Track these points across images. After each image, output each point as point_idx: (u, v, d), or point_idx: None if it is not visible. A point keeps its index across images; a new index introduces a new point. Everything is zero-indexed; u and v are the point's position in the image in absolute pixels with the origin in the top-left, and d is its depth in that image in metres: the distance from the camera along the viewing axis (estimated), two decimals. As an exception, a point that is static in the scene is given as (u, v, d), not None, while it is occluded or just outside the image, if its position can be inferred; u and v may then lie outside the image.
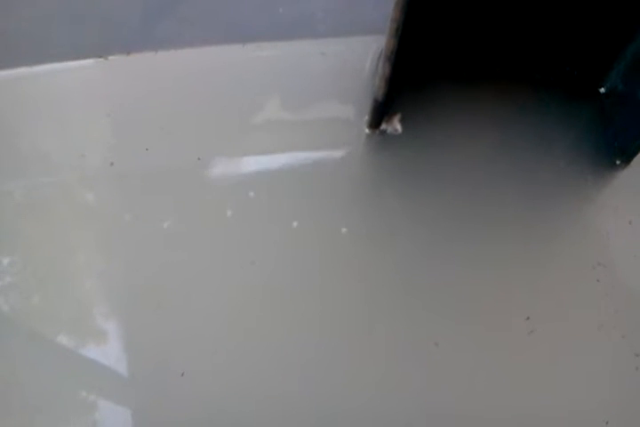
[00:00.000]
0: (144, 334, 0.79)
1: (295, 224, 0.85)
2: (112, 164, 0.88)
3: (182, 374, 0.76)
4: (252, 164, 0.90)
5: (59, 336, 0.79)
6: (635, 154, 0.87)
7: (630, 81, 0.87)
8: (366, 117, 0.88)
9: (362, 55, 0.94)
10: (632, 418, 0.78)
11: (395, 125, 0.88)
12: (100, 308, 0.81)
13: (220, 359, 0.78)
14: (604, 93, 0.92)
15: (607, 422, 0.76)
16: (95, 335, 0.80)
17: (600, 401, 0.78)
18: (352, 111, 0.91)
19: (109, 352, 0.78)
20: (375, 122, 0.87)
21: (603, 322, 0.81)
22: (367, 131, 0.89)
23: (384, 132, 0.89)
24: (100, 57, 0.91)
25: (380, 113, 0.86)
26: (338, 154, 0.89)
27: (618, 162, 0.89)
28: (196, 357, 0.78)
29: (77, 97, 0.93)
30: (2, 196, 0.88)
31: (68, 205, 0.88)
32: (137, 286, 0.82)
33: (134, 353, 0.78)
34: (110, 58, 0.91)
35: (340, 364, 0.78)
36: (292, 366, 0.77)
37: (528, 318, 0.80)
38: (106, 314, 0.81)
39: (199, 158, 0.89)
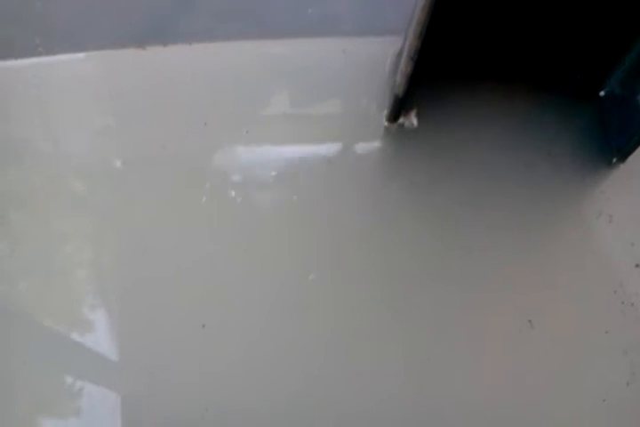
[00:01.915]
0: (131, 325, 0.83)
1: (311, 212, 0.90)
2: (122, 154, 0.93)
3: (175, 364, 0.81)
4: (274, 153, 0.96)
5: (45, 322, 0.83)
6: (630, 153, 0.94)
7: (627, 86, 0.94)
8: (385, 111, 0.95)
9: (381, 53, 1.00)
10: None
11: (411, 120, 0.95)
12: (88, 295, 0.85)
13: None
14: (602, 96, 1.00)
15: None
16: (81, 323, 0.83)
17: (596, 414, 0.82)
18: (371, 105, 0.98)
19: (95, 340, 0.82)
20: (394, 116, 0.95)
21: (608, 328, 0.86)
22: (386, 124, 0.96)
23: (401, 125, 0.96)
24: (139, 47, 0.97)
25: (398, 108, 0.93)
26: (358, 144, 0.95)
27: (614, 160, 0.96)
28: (181, 352, 0.82)
29: (113, 84, 0.98)
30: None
31: (59, 194, 0.92)
32: (127, 275, 0.86)
33: (122, 342, 0.82)
34: (148, 48, 0.97)
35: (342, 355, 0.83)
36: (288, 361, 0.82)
37: (530, 322, 0.85)
38: (93, 302, 0.84)
39: (217, 146, 0.94)
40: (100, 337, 0.82)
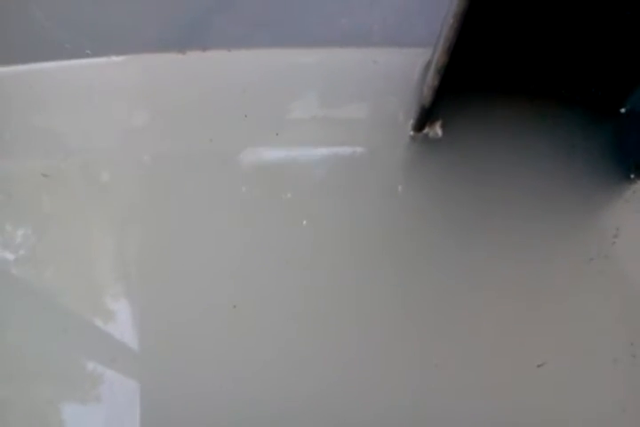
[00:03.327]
0: (153, 312, 0.87)
1: (331, 216, 0.94)
2: (158, 150, 0.98)
3: (196, 352, 0.84)
4: (302, 155, 1.00)
5: (71, 308, 0.86)
6: (647, 169, 0.98)
7: (648, 104, 0.98)
8: (411, 121, 0.99)
9: (410, 65, 1.04)
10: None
11: (436, 130, 0.99)
12: (113, 282, 0.88)
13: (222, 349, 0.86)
14: (623, 113, 1.03)
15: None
16: (107, 309, 0.86)
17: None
18: (399, 114, 1.01)
19: (119, 327, 0.85)
20: (419, 126, 0.98)
21: (616, 356, 0.87)
22: (411, 133, 1.00)
23: (426, 135, 0.99)
24: (179, 52, 1.02)
25: (424, 118, 0.97)
26: (384, 151, 0.99)
27: (632, 176, 1.00)
28: (203, 342, 0.85)
29: (153, 86, 1.03)
30: (23, 171, 0.96)
31: (88, 183, 0.96)
32: (153, 263, 0.90)
33: (144, 329, 0.85)
34: (188, 53, 1.02)
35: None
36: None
37: (537, 349, 0.87)
38: (119, 289, 0.88)
39: (244, 147, 0.99)
40: (123, 324, 0.86)
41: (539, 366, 0.84)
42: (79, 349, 0.85)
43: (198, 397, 0.83)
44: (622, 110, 1.03)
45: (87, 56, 1.00)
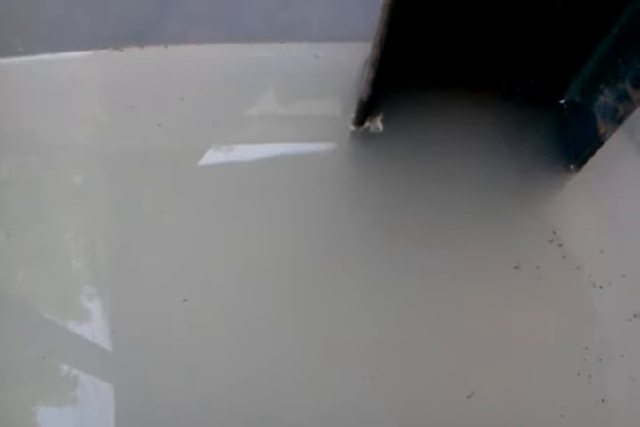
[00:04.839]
0: (126, 313, 0.85)
1: (277, 211, 0.93)
2: (107, 148, 0.97)
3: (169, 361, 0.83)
4: (242, 153, 0.99)
5: (43, 311, 0.84)
6: (586, 160, 0.98)
7: (585, 95, 0.98)
8: (352, 115, 0.99)
9: (351, 59, 1.03)
10: None
11: (377, 124, 0.99)
12: (84, 284, 0.86)
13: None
14: (563, 104, 1.03)
15: None
16: (79, 311, 0.84)
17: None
18: (340, 109, 1.01)
19: (92, 328, 0.83)
20: (359, 120, 0.98)
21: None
22: (352, 128, 0.99)
23: (367, 129, 0.99)
24: (116, 49, 1.00)
25: (364, 112, 0.96)
26: (325, 147, 0.99)
27: (572, 167, 1.00)
28: (178, 343, 0.84)
29: (87, 85, 1.01)
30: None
31: (58, 184, 0.94)
32: (122, 263, 0.88)
33: (117, 331, 0.84)
34: (125, 50, 1.01)
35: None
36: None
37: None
38: (90, 291, 0.86)
39: (190, 144, 0.98)
40: (94, 325, 0.84)
41: (468, 396, 0.83)
42: (50, 351, 0.82)
43: (171, 397, 0.81)
44: (562, 101, 1.04)
45: (18, 54, 0.97)
